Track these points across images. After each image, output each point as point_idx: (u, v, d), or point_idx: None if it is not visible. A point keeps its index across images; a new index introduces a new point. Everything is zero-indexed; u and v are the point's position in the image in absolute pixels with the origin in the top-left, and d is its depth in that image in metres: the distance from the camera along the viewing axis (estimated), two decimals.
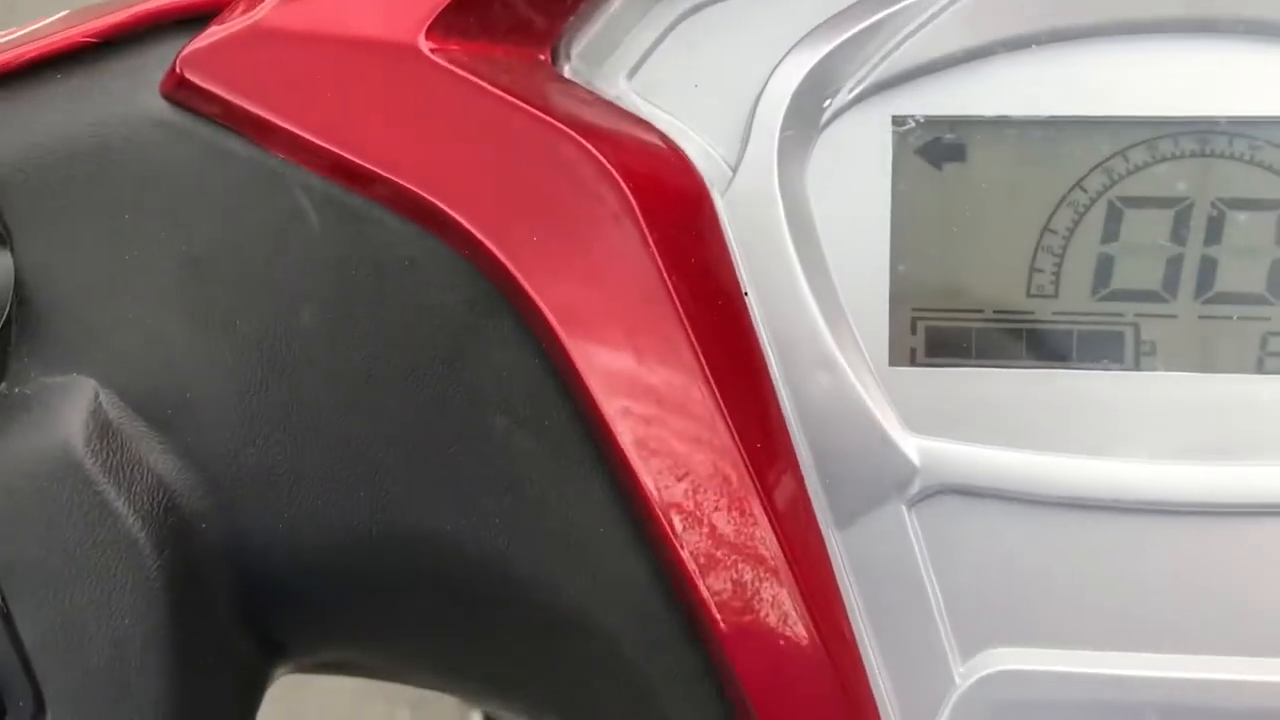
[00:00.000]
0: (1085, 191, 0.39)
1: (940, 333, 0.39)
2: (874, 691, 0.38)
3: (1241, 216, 0.39)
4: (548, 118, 0.35)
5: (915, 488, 0.38)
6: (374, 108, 0.35)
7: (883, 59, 0.39)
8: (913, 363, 0.39)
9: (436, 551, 0.37)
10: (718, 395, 0.34)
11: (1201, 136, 0.39)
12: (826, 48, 0.39)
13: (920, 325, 0.39)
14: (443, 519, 0.37)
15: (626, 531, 0.36)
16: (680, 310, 0.34)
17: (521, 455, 0.36)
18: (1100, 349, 0.39)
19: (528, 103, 0.35)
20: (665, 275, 0.34)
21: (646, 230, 0.34)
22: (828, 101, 0.39)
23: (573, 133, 0.34)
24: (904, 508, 0.38)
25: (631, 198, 0.34)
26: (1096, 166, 0.39)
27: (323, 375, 0.36)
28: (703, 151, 0.39)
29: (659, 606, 0.36)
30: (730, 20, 0.40)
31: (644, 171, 0.35)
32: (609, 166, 0.34)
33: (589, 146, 0.34)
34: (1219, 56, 0.39)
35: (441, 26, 0.35)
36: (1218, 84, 0.39)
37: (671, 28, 0.40)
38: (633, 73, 0.40)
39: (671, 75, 0.40)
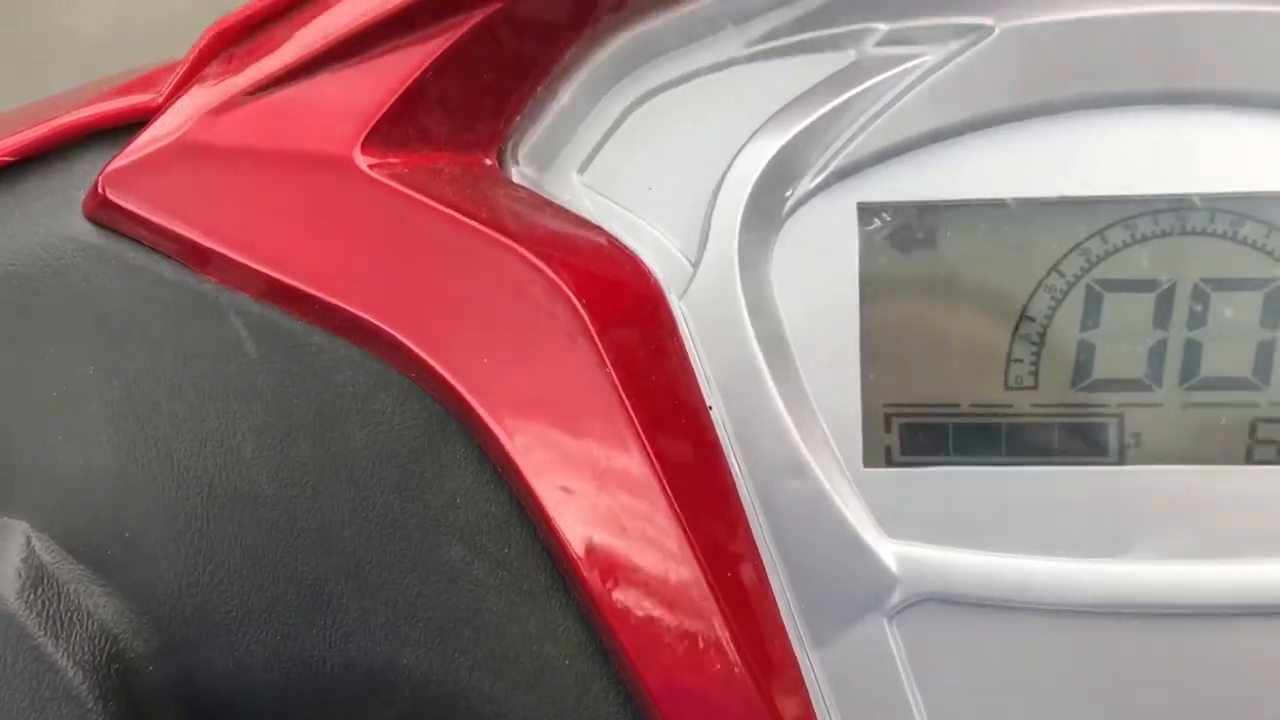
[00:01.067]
0: (1062, 276, 0.38)
1: (916, 430, 0.37)
2: None
3: (1225, 297, 0.37)
4: (494, 233, 0.33)
5: (895, 598, 0.36)
6: (309, 226, 0.33)
7: (845, 144, 0.37)
8: (889, 463, 0.37)
9: (395, 683, 0.35)
10: (683, 522, 0.32)
11: (1181, 214, 0.37)
12: (786, 135, 0.37)
13: (895, 423, 0.38)
14: (400, 651, 0.35)
15: (593, 664, 0.34)
16: (641, 435, 0.32)
17: (481, 585, 0.34)
18: (1083, 443, 0.37)
19: (472, 216, 0.33)
20: (624, 397, 0.32)
21: (603, 350, 0.32)
22: (790, 190, 0.38)
23: (521, 248, 0.33)
24: (884, 620, 0.36)
25: (585, 315, 0.32)
26: (1073, 249, 0.38)
27: (268, 508, 0.34)
28: (661, 247, 0.37)
29: None
30: (683, 107, 0.38)
31: (598, 286, 0.33)
32: (560, 283, 0.32)
33: (538, 262, 0.32)
34: (1195, 130, 0.37)
35: (378, 138, 0.33)
36: (1195, 159, 0.37)
37: (622, 118, 0.38)
38: (584, 167, 0.38)
39: (625, 168, 0.38)
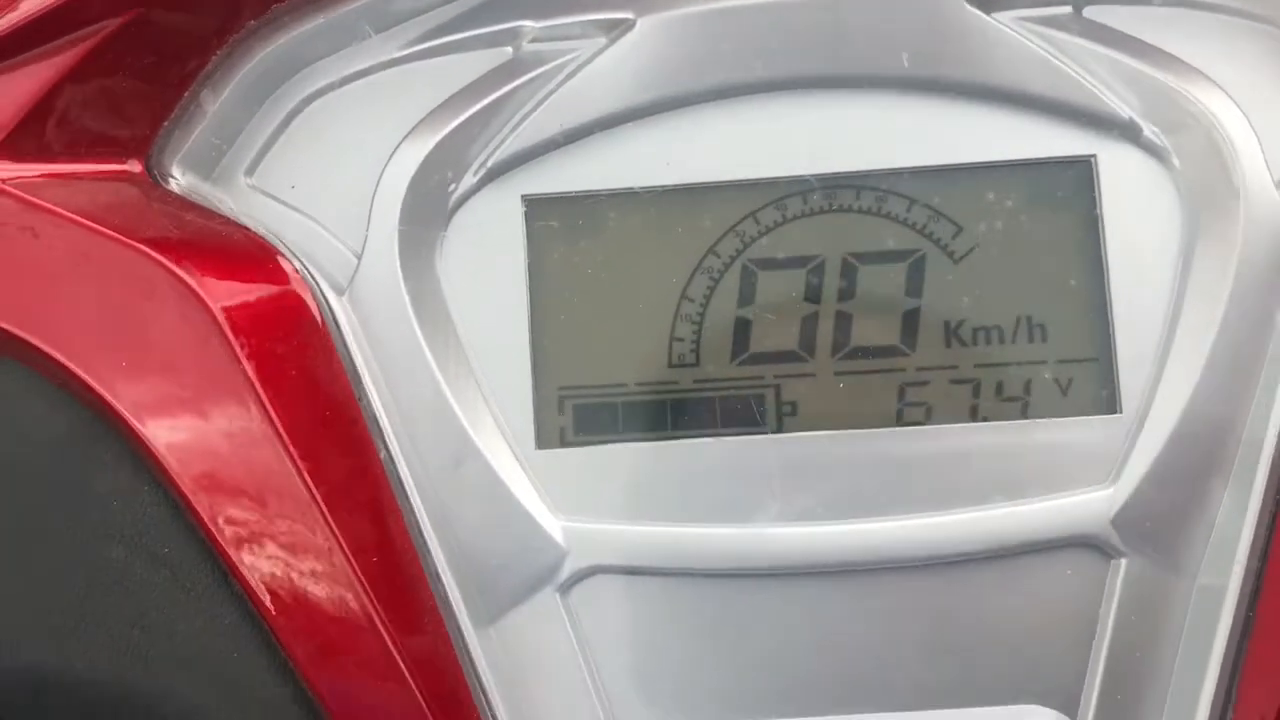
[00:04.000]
0: (719, 257, 0.39)
1: (587, 410, 0.39)
2: None
3: (872, 270, 0.39)
4: (126, 239, 0.33)
5: (565, 572, 0.37)
6: None
7: (505, 139, 0.39)
8: (562, 443, 0.38)
9: (68, 690, 0.36)
10: (327, 514, 0.33)
11: (829, 192, 0.39)
12: (442, 131, 0.38)
13: (568, 404, 0.39)
14: (71, 658, 0.35)
15: (262, 657, 0.34)
16: (281, 431, 0.33)
17: (145, 585, 0.35)
18: (743, 414, 0.39)
19: (106, 224, 0.33)
20: (262, 393, 0.33)
21: (238, 349, 0.33)
22: (453, 186, 0.39)
23: (154, 253, 0.33)
24: (556, 594, 0.37)
25: (220, 316, 0.33)
26: (728, 230, 0.39)
27: None
28: (328, 244, 0.38)
29: None
30: (346, 108, 0.39)
31: (235, 288, 0.34)
32: (194, 286, 0.33)
33: (172, 266, 0.33)
34: (841, 112, 0.39)
35: (12, 148, 0.34)
36: (841, 139, 0.39)
37: (287, 121, 0.39)
38: (252, 169, 0.39)
39: (293, 169, 0.39)
